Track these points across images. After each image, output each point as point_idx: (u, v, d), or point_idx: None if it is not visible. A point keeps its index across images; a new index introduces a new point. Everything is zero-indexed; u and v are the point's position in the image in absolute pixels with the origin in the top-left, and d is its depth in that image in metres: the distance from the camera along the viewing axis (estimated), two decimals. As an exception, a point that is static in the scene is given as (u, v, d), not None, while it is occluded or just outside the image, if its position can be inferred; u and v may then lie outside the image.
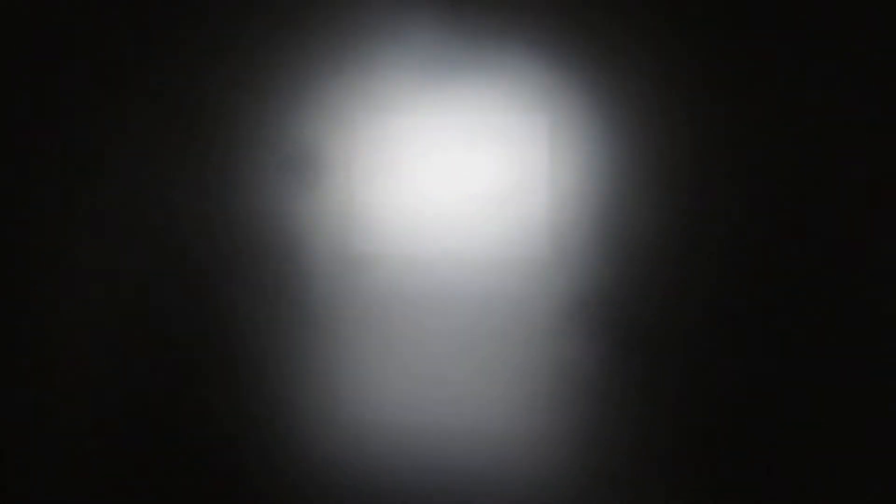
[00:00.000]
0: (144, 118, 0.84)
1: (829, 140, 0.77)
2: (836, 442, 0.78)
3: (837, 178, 0.77)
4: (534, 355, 0.81)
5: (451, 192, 0.81)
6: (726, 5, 0.78)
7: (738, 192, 0.78)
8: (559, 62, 0.80)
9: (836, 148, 0.77)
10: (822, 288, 0.77)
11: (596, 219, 0.79)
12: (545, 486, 0.81)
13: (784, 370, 0.78)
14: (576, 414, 0.80)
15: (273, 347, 0.83)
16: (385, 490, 0.82)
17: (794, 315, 0.77)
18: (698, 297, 0.78)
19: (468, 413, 0.81)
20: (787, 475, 0.78)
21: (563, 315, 0.80)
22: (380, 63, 0.82)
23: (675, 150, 0.78)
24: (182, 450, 0.84)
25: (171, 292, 0.84)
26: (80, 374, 0.85)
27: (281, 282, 0.82)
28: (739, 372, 0.78)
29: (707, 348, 0.78)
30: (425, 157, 0.82)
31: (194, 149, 0.84)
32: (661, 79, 0.78)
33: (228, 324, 0.83)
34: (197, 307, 0.84)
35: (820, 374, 0.78)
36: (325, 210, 0.82)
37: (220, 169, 0.83)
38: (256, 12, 0.82)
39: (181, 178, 0.84)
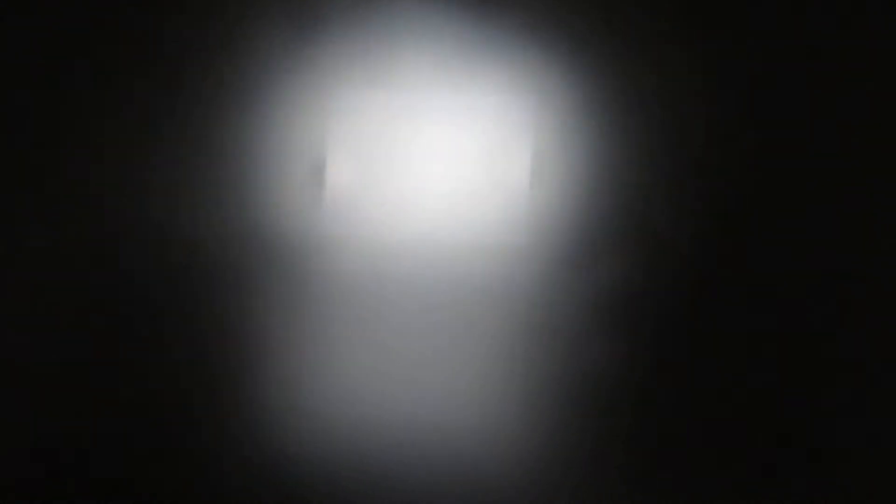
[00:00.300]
0: (127, 105, 0.84)
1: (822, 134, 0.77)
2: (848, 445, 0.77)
3: (828, 170, 0.76)
4: (513, 343, 0.80)
5: (430, 175, 0.80)
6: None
7: (727, 176, 0.77)
8: (545, 45, 0.79)
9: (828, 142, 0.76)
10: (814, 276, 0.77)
11: (578, 205, 0.79)
12: (519, 474, 0.80)
13: (761, 357, 0.77)
14: (555, 403, 0.79)
15: (241, 333, 0.82)
16: (356, 479, 0.81)
17: (783, 298, 0.77)
18: (682, 281, 0.78)
19: (443, 402, 0.80)
20: (792, 475, 0.78)
21: (544, 303, 0.79)
22: (353, 40, 0.80)
23: (660, 134, 0.78)
24: (147, 437, 0.83)
25: (141, 277, 0.83)
26: (41, 376, 0.85)
27: (250, 265, 0.81)
28: (717, 351, 0.77)
29: (686, 327, 0.78)
30: (404, 137, 0.80)
31: (165, 133, 0.82)
32: (648, 64, 0.78)
33: (196, 309, 0.82)
34: (165, 293, 0.83)
35: (810, 366, 0.77)
36: (297, 192, 0.81)
37: (187, 150, 0.82)
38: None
39: (147, 162, 0.82)
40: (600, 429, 0.79)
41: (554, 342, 0.79)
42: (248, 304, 0.82)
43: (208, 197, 0.82)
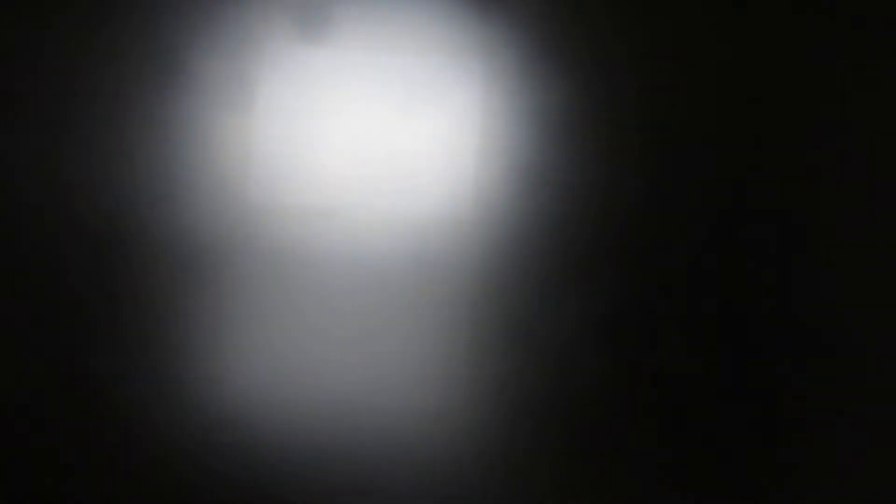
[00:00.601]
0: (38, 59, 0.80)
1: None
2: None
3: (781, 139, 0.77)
4: (454, 319, 0.78)
5: (367, 140, 0.76)
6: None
7: (680, 149, 0.77)
8: (494, 8, 0.77)
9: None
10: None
11: (526, 175, 0.77)
12: (460, 452, 0.79)
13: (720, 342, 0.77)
14: (500, 379, 0.78)
15: (164, 303, 0.79)
16: (279, 455, 0.80)
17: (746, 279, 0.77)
18: (634, 245, 0.78)
19: (379, 381, 0.79)
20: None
21: (488, 277, 0.78)
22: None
23: (612, 103, 0.77)
24: (65, 412, 0.81)
25: (61, 250, 0.80)
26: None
27: (175, 232, 0.79)
28: (663, 329, 0.78)
29: (634, 303, 0.78)
30: (338, 99, 0.77)
31: (85, 104, 0.79)
32: (600, 31, 0.77)
33: (119, 278, 0.79)
34: (86, 267, 0.80)
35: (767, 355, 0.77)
36: (224, 157, 0.78)
37: (109, 115, 0.79)
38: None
39: (69, 132, 0.79)
40: (548, 404, 0.78)
41: (498, 317, 0.78)
42: (171, 277, 0.79)
43: (130, 165, 0.79)
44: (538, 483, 0.79)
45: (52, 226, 0.79)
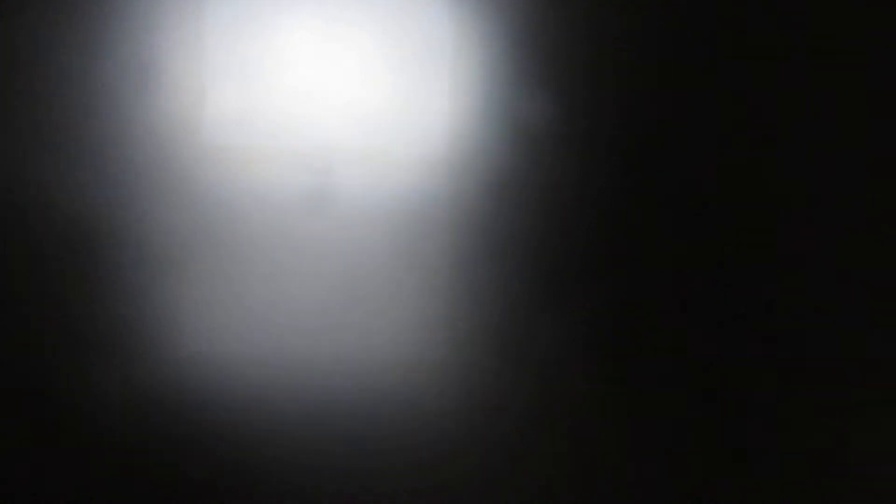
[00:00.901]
0: None
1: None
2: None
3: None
4: (424, 268, 0.77)
5: (334, 79, 0.75)
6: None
7: (644, 99, 0.77)
8: None
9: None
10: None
11: (501, 111, 0.76)
12: (441, 403, 0.78)
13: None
14: (467, 335, 0.77)
15: (124, 250, 0.78)
16: (256, 417, 0.78)
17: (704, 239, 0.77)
18: (600, 201, 0.77)
19: (348, 330, 0.77)
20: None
21: (462, 220, 0.77)
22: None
23: (574, 48, 0.77)
24: (8, 382, 0.79)
25: (18, 202, 0.78)
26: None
27: (126, 174, 0.77)
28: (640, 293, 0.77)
29: (603, 257, 0.77)
30: (302, 39, 0.75)
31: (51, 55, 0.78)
32: None
33: (66, 214, 0.78)
34: (40, 209, 0.78)
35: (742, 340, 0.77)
36: (187, 99, 0.77)
37: (58, 57, 0.77)
38: None
39: (19, 92, 0.78)
40: (533, 347, 0.78)
41: (473, 261, 0.77)
42: (129, 219, 0.78)
43: (85, 100, 0.77)
44: (522, 431, 0.78)
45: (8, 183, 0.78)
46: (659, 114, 0.77)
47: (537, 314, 0.78)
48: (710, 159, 0.77)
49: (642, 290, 0.77)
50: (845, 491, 0.78)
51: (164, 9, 0.77)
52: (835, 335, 0.78)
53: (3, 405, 0.79)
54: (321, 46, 0.76)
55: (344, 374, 0.78)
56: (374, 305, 0.78)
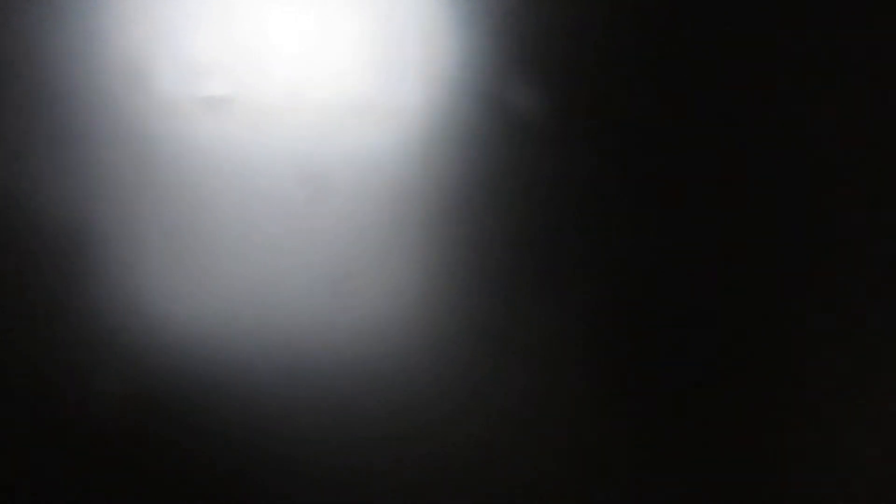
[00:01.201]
0: None
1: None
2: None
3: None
4: (394, 215, 0.75)
5: (307, 31, 0.73)
6: None
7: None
8: None
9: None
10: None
11: (472, 66, 0.75)
12: (410, 367, 0.77)
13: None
14: (445, 281, 0.76)
15: (72, 205, 0.75)
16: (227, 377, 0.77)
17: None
18: (604, 192, 0.76)
19: (322, 285, 0.76)
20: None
21: (429, 172, 0.75)
22: None
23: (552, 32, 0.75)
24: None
25: None
26: None
27: (114, 124, 0.75)
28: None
29: (560, 204, 0.76)
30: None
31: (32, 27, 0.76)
32: None
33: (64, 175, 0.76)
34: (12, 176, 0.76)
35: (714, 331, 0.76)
36: (167, 48, 0.75)
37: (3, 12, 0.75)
38: None
39: None
40: (493, 308, 0.77)
41: (443, 212, 0.76)
42: (80, 176, 0.76)
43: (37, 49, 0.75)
44: (498, 393, 0.77)
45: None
46: (648, 101, 0.77)
47: (525, 302, 0.77)
48: (698, 145, 0.77)
49: (631, 278, 0.77)
50: (845, 491, 0.78)
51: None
52: (834, 335, 0.78)
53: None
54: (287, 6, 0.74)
55: (320, 345, 0.77)
56: (339, 258, 0.76)
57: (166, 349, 0.77)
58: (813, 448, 0.77)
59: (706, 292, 0.77)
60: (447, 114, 0.75)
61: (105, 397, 0.77)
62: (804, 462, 0.77)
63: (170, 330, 0.76)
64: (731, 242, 0.77)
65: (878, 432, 0.77)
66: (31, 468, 0.77)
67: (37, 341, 0.77)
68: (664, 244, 0.76)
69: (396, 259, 0.76)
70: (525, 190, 0.76)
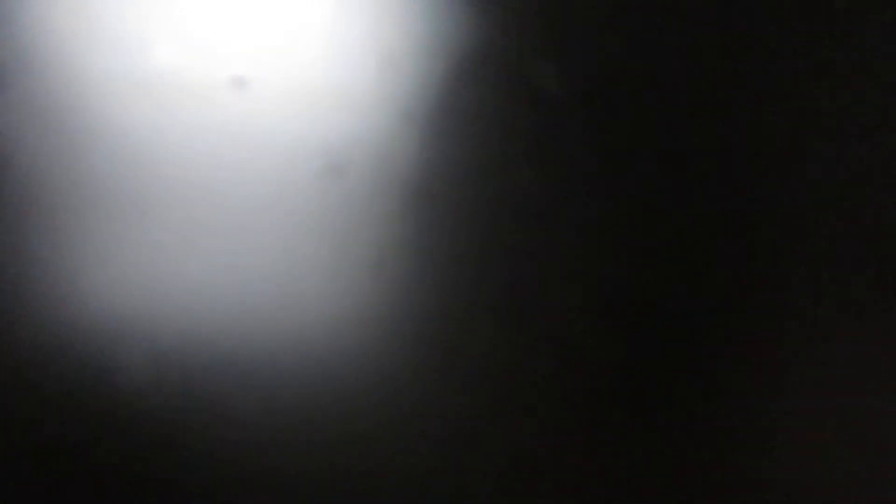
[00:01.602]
0: None
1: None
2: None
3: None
4: (353, 199, 0.74)
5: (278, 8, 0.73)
6: None
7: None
8: None
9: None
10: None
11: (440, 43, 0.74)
12: (366, 356, 0.76)
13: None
14: (400, 275, 0.76)
15: (52, 188, 0.74)
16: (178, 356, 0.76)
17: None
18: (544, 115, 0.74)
19: (282, 271, 0.75)
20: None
21: (395, 155, 0.73)
22: None
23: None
24: None
25: None
26: None
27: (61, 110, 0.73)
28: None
29: (537, 182, 0.75)
30: None
31: None
32: None
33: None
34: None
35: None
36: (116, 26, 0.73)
37: None
38: None
39: None
40: (512, 292, 0.76)
41: (406, 195, 0.75)
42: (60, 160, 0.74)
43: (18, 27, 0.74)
44: (465, 378, 0.77)
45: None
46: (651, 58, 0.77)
47: (547, 287, 0.77)
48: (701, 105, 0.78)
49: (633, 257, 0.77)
50: (845, 491, 0.78)
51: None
52: (834, 335, 0.78)
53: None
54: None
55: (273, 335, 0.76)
56: (314, 250, 0.76)
57: (180, 335, 0.76)
58: (813, 448, 0.77)
59: (712, 288, 0.77)
60: (471, 94, 0.75)
61: (98, 387, 0.77)
62: (804, 462, 0.77)
63: (184, 315, 0.76)
64: (738, 233, 0.77)
65: (879, 432, 0.77)
66: None
67: (23, 334, 0.76)
68: (690, 223, 0.76)
69: (412, 247, 0.76)
70: (546, 167, 0.75)
